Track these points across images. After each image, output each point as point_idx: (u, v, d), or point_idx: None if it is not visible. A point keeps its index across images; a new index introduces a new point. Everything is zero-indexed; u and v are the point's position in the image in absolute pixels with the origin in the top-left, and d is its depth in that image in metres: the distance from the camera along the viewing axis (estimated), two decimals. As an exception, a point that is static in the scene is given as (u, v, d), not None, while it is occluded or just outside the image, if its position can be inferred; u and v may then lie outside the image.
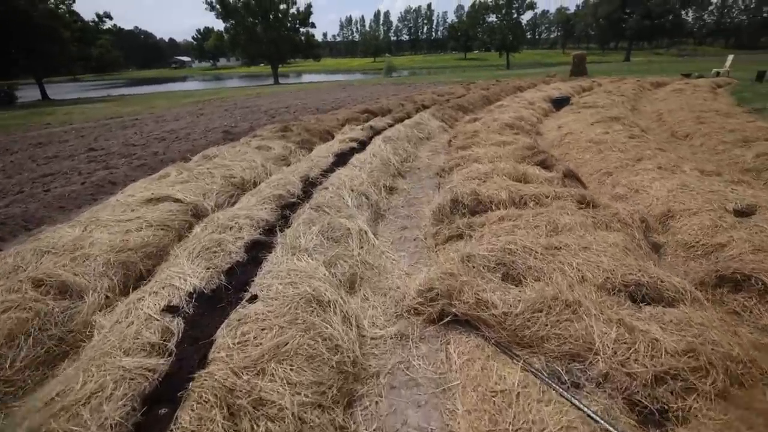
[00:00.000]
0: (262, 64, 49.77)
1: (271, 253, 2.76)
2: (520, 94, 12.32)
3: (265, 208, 3.49)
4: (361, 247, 3.05)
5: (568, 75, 20.45)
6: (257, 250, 2.85)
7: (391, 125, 7.49)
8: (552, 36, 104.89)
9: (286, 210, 3.57)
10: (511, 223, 2.86)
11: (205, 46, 50.36)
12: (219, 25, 42.92)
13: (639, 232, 2.80)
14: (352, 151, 5.61)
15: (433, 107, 9.51)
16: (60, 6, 30.74)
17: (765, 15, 71.41)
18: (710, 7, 69.48)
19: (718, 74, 15.45)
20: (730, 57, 15.81)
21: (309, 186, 4.20)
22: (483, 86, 15.73)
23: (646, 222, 3.02)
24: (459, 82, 21.00)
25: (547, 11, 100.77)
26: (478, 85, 16.19)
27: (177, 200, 3.76)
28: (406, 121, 7.46)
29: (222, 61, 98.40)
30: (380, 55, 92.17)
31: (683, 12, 53.14)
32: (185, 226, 3.48)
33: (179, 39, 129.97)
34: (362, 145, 6.01)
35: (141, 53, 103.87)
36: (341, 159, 5.22)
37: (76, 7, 31.34)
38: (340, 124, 8.08)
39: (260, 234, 3.04)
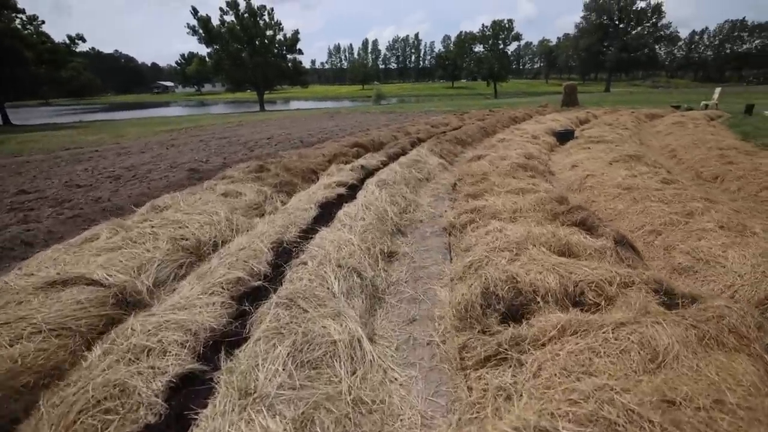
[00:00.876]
0: (248, 90, 49.47)
1: (208, 404, 1.71)
2: (518, 125, 11.74)
3: (213, 303, 2.45)
4: (353, 373, 2.03)
5: (560, 105, 20.28)
6: (187, 396, 1.79)
7: (385, 163, 6.60)
8: (535, 66, 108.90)
9: (245, 303, 2.54)
10: (582, 342, 1.88)
11: (186, 71, 49.50)
12: (204, 50, 42.59)
13: (763, 348, 1.87)
14: (340, 200, 4.65)
15: (429, 141, 8.72)
16: (27, 27, 29.56)
17: (728, 51, 75.98)
18: (679, 43, 73.23)
19: (706, 107, 15.32)
20: (718, 90, 15.80)
21: (282, 256, 3.19)
22: (477, 116, 15.22)
23: (763, 329, 2.09)
24: (451, 112, 20.62)
25: (530, 43, 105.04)
26: (472, 116, 15.68)
27: (94, 282, 2.69)
28: (402, 159, 6.59)
29: (207, 87, 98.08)
30: (369, 83, 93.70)
31: (657, 47, 55.51)
32: (101, 325, 2.41)
33: (163, 64, 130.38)
34: (352, 190, 5.06)
35: (121, 77, 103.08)
36: (326, 212, 4.24)
37: (55, 31, 30.71)
38: (327, 161, 7.16)
39: (197, 359, 1.98)
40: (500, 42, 50.50)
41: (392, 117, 19.53)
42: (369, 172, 5.93)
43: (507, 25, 48.91)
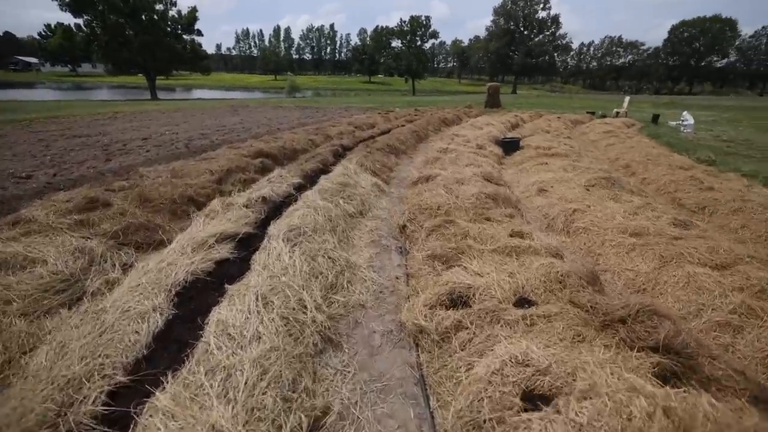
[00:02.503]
0: (140, 74, 41.93)
1: None
2: (453, 130, 10.57)
3: None
4: None
5: (483, 106, 20.06)
6: None
7: (300, 188, 4.66)
8: (448, 66, 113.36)
9: None
10: None
11: (46, 45, 39.07)
12: (76, 21, 34.25)
13: None
14: (221, 274, 2.66)
15: (357, 149, 6.96)
16: None
17: (608, 63, 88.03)
18: (571, 53, 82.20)
19: (617, 114, 16.12)
20: (627, 99, 16.75)
21: None
22: (404, 116, 13.87)
23: None
24: (374, 109, 19.06)
25: (444, 42, 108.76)
26: (399, 115, 14.29)
27: None
28: (323, 182, 4.72)
29: (86, 67, 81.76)
30: (282, 73, 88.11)
31: (555, 54, 61.13)
32: None
33: (22, 35, 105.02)
34: (245, 247, 3.07)
35: None
36: (187, 313, 2.24)
37: None
38: (216, 181, 4.98)
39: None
40: (418, 38, 50.55)
41: (308, 113, 17.29)
42: (275, 207, 3.94)
43: (424, 22, 49.08)
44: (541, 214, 4.41)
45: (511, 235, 3.12)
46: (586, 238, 3.66)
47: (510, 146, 7.84)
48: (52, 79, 69.46)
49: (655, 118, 14.61)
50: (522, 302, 2.28)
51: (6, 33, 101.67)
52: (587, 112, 17.27)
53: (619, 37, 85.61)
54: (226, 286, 2.49)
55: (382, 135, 9.20)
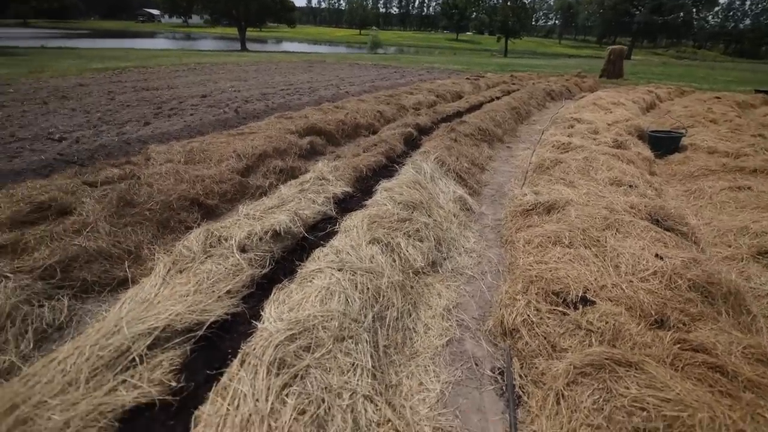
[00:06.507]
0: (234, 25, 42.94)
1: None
2: (566, 108, 7.96)
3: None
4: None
5: (599, 75, 16.24)
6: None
7: (343, 203, 3.06)
8: (549, 24, 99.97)
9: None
10: None
11: None
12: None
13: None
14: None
15: (437, 134, 5.09)
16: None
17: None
18: (716, 8, 65.88)
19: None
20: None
21: None
22: (499, 85, 11.35)
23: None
24: (461, 72, 16.45)
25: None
26: (492, 83, 11.79)
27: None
28: (381, 194, 3.05)
29: (196, 19, 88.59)
30: (367, 28, 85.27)
31: (694, 10, 49.43)
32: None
33: None
34: (204, 364, 1.59)
35: (106, 2, 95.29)
36: None
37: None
38: (239, 172, 3.60)
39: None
40: (519, -10, 44.10)
41: (385, 73, 15.38)
42: (293, 248, 2.41)
43: (530, -30, 42.29)
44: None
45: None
46: None
47: (663, 144, 5.31)
48: (168, 29, 75.95)
49: None
50: None
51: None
52: (757, 91, 12.57)
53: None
54: None
55: (471, 111, 7.11)
